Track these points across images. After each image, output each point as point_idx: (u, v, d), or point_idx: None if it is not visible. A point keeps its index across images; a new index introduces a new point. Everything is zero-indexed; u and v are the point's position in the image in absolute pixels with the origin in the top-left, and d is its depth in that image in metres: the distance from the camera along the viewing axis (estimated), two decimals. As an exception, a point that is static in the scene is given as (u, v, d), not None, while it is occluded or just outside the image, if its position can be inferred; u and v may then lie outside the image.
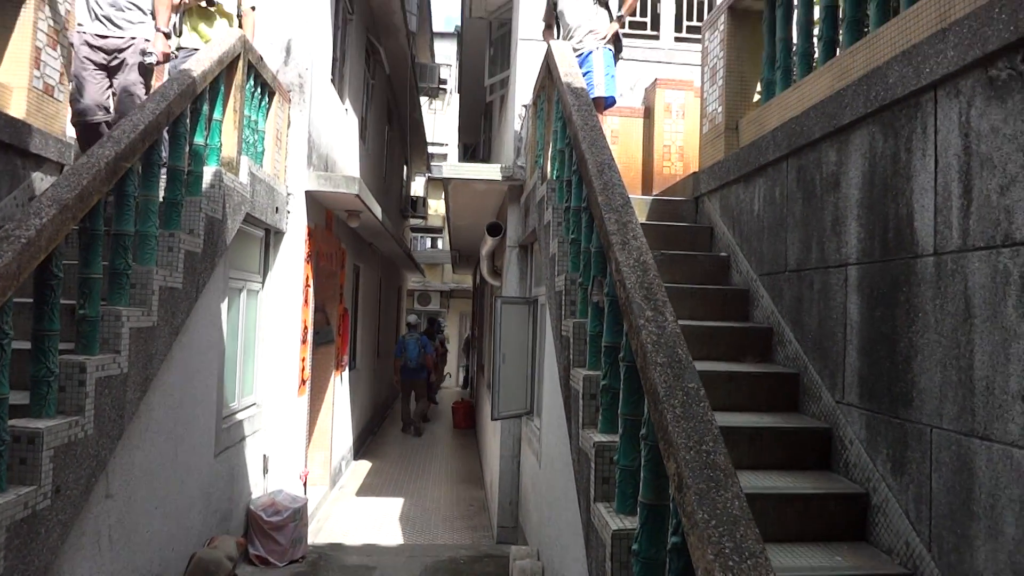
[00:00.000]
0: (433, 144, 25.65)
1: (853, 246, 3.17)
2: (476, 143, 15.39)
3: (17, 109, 4.34)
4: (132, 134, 3.39)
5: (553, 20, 5.71)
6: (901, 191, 2.84)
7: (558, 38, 5.57)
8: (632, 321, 2.35)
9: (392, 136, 14.89)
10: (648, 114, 6.66)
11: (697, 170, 5.25)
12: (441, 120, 26.71)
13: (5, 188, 4.27)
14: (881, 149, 2.98)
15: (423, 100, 21.21)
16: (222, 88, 4.76)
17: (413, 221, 21.85)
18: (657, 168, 6.50)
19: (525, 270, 6.84)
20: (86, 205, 3.01)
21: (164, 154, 4.13)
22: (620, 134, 6.66)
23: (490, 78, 9.00)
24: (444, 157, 27.93)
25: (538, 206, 5.13)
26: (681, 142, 6.53)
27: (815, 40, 3.99)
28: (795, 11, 4.15)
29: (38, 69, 4.50)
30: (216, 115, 4.68)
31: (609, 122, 6.57)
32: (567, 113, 4.04)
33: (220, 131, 4.74)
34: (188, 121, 4.17)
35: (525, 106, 6.73)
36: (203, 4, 5.39)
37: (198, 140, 4.36)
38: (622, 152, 6.64)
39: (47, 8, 4.52)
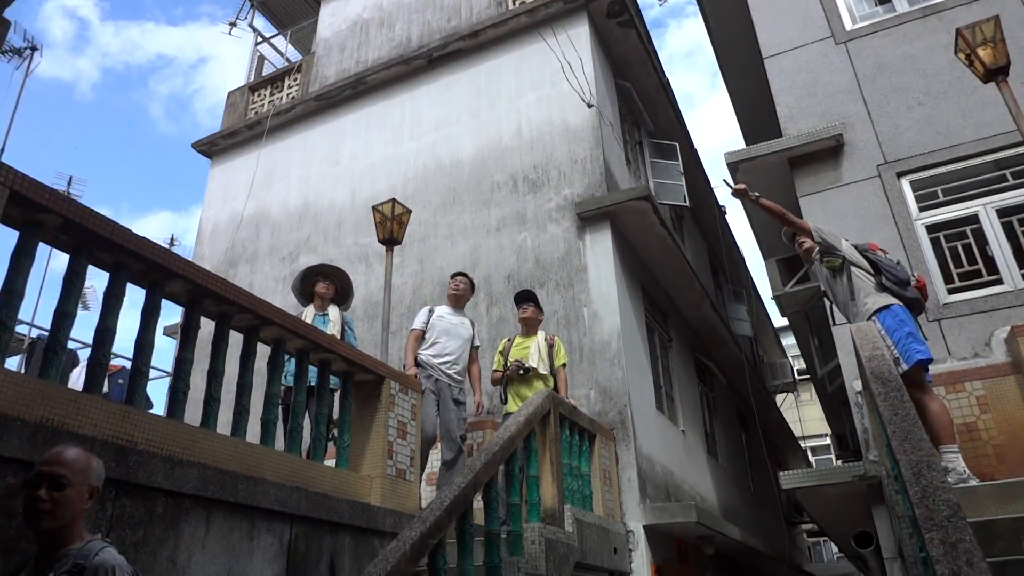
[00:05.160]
0: (809, 437, 23.83)
1: None
2: (845, 432, 13.91)
3: (375, 496, 5.09)
4: (438, 511, 3.71)
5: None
6: None
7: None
8: None
9: (751, 441, 14.21)
10: (1018, 368, 5.45)
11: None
12: (811, 412, 25.02)
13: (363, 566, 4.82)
14: None
15: (788, 395, 20.34)
16: (535, 446, 5.09)
17: (805, 525, 19.55)
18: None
19: (920, 586, 5.48)
20: (394, 589, 3.24)
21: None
22: (990, 399, 5.47)
23: (822, 368, 8.42)
24: (827, 449, 25.63)
25: (895, 512, 4.26)
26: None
27: None
28: None
29: (391, 458, 5.33)
30: (531, 471, 4.96)
31: (970, 388, 5.51)
32: (876, 404, 3.51)
33: (538, 486, 4.96)
34: (501, 484, 4.46)
35: (859, 393, 6.03)
36: (521, 372, 6.11)
37: (514, 499, 4.59)
38: (1001, 421, 5.38)
39: (395, 408, 5.49)
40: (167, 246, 19.50)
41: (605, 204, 7.86)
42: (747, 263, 17.18)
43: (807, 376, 23.66)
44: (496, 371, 6.32)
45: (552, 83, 9.16)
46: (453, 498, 3.85)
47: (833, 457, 21.41)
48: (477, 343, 6.39)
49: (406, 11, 11.90)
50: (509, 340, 6.49)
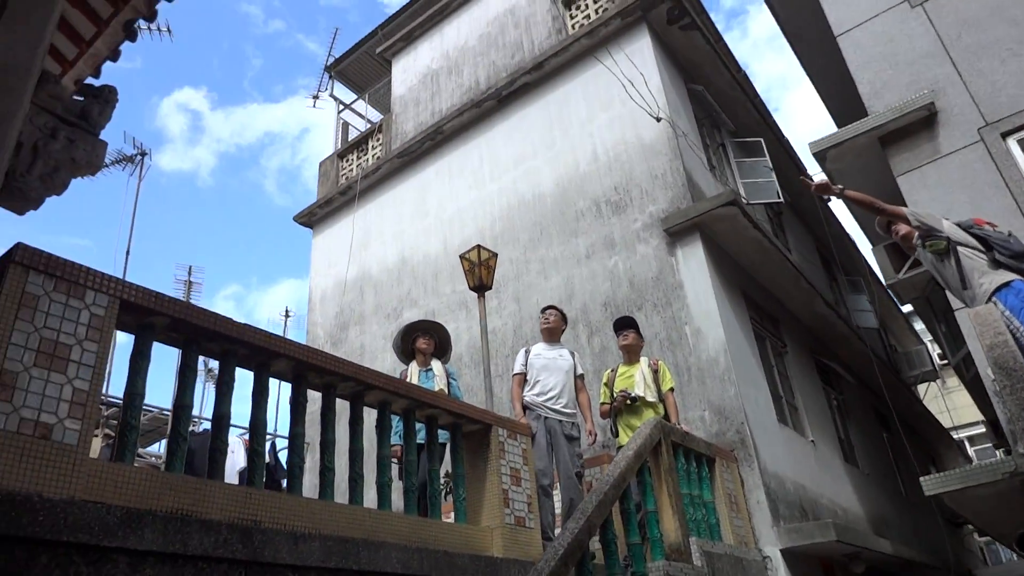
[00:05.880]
0: (962, 427, 22.03)
1: None
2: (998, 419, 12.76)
3: (497, 547, 5.08)
4: (553, 561, 3.66)
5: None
6: None
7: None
8: None
9: (895, 442, 13.27)
10: None
11: None
12: (961, 398, 23.13)
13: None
14: None
15: (930, 384, 18.91)
16: (649, 479, 4.95)
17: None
18: None
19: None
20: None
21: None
22: None
23: (954, 356, 7.78)
24: (986, 438, 23.56)
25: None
26: None
27: None
28: None
29: (508, 507, 5.32)
30: (649, 506, 4.82)
31: None
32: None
33: (657, 521, 4.82)
34: (617, 524, 4.36)
35: (995, 381, 5.52)
36: (628, 403, 5.98)
37: (633, 539, 4.47)
38: None
39: (505, 455, 5.49)
40: (283, 317, 20.57)
41: (691, 216, 7.66)
42: (861, 250, 16.23)
43: (947, 361, 21.98)
44: (604, 404, 6.22)
45: (621, 101, 9.08)
46: (567, 545, 3.80)
47: (992, 446, 19.64)
48: (580, 371, 6.26)
49: (471, 55, 12.19)
50: (612, 370, 6.38)
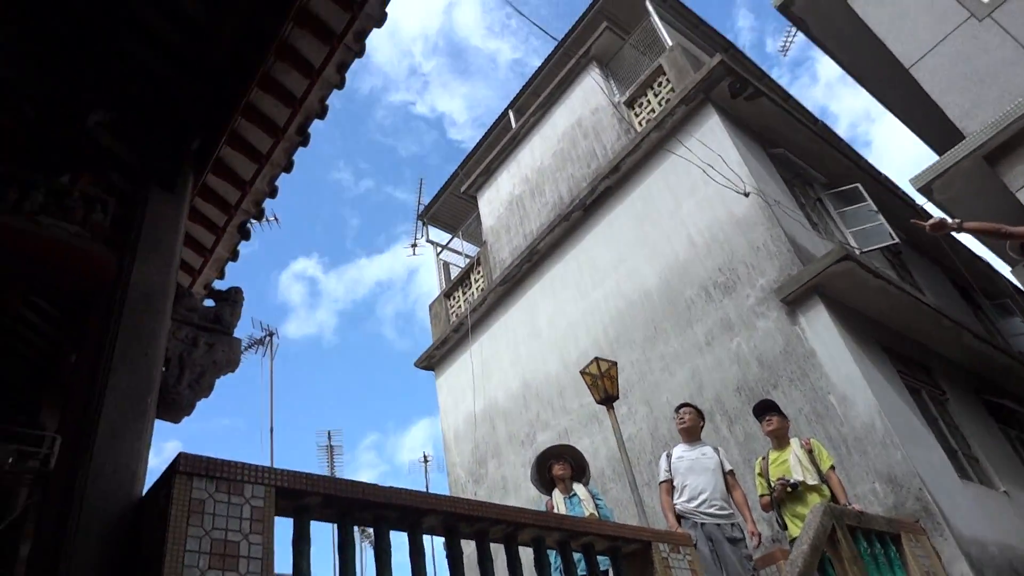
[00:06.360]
0: None
1: None
2: None
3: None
4: None
5: None
6: None
7: None
8: None
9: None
10: None
11: None
12: None
13: None
14: None
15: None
16: (832, 573, 4.58)
17: None
18: None
19: None
20: None
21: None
22: None
23: None
24: None
25: None
26: None
27: None
28: None
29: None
30: (840, 604, 4.43)
31: None
32: None
33: (854, 618, 4.40)
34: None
35: None
36: (788, 491, 5.61)
37: (832, 644, 4.09)
38: None
39: (671, 571, 5.22)
40: (422, 463, 20.96)
41: (805, 280, 7.39)
42: (1000, 269, 14.99)
43: None
44: (763, 496, 5.86)
45: (704, 182, 9.09)
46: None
47: None
48: (728, 467, 5.94)
49: (549, 173, 12.64)
50: (763, 458, 6.05)
